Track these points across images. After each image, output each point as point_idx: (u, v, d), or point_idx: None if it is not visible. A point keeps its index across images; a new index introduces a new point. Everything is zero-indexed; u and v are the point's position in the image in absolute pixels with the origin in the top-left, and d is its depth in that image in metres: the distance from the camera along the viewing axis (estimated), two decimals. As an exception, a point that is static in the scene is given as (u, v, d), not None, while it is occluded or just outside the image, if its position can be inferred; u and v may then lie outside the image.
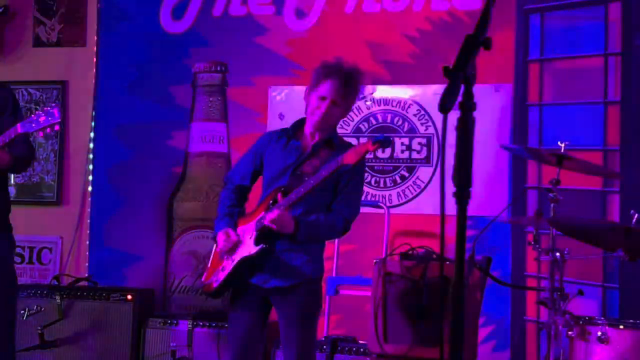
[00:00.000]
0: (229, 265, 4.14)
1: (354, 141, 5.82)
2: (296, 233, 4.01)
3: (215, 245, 4.29)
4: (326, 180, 3.96)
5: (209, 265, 4.31)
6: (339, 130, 5.72)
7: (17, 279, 4.64)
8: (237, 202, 4.30)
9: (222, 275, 4.16)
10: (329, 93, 4.06)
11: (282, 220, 3.96)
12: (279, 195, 4.03)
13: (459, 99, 2.18)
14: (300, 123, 4.24)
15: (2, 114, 4.55)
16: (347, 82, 4.07)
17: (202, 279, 4.33)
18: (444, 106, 2.11)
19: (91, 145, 6.40)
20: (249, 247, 4.08)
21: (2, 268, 4.50)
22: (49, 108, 4.29)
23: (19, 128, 4.27)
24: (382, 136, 3.88)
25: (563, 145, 4.51)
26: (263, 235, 4.05)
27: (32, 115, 4.31)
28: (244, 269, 4.11)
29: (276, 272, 4.10)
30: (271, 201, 4.06)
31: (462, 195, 2.12)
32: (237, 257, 4.10)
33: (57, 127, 4.34)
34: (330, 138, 4.16)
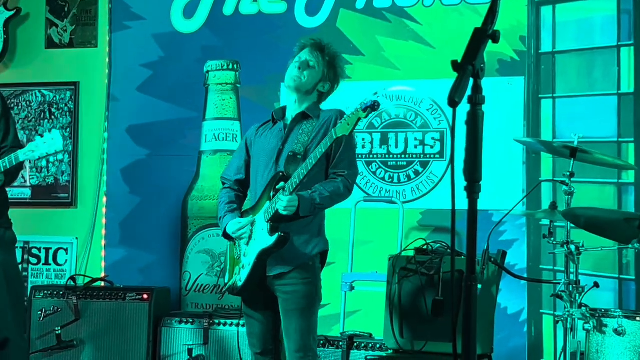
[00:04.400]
0: (248, 261, 4.19)
1: (367, 137, 5.86)
2: (303, 210, 4.05)
3: (229, 244, 4.33)
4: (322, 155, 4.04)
5: (228, 265, 4.36)
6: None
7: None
8: (235, 197, 4.38)
9: (244, 273, 4.22)
10: (304, 55, 4.26)
11: (292, 205, 4.00)
12: (282, 180, 4.07)
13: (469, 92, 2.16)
14: (283, 109, 4.35)
15: None
16: (322, 50, 4.29)
17: (226, 281, 4.38)
18: (453, 100, 2.11)
19: (105, 145, 6.41)
20: (265, 240, 4.12)
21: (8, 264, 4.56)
22: (50, 134, 4.30)
23: (20, 156, 4.31)
24: (370, 101, 3.87)
25: (577, 137, 4.49)
26: (275, 225, 4.08)
27: (32, 142, 4.33)
28: (264, 262, 4.15)
29: (278, 257, 4.15)
30: (272, 192, 4.09)
31: (472, 189, 2.11)
32: (255, 251, 4.15)
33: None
34: (305, 112, 4.24)
